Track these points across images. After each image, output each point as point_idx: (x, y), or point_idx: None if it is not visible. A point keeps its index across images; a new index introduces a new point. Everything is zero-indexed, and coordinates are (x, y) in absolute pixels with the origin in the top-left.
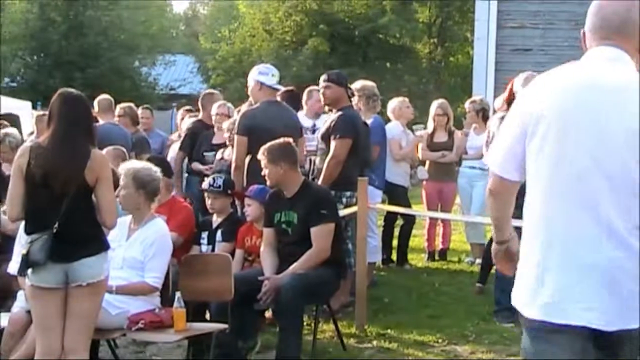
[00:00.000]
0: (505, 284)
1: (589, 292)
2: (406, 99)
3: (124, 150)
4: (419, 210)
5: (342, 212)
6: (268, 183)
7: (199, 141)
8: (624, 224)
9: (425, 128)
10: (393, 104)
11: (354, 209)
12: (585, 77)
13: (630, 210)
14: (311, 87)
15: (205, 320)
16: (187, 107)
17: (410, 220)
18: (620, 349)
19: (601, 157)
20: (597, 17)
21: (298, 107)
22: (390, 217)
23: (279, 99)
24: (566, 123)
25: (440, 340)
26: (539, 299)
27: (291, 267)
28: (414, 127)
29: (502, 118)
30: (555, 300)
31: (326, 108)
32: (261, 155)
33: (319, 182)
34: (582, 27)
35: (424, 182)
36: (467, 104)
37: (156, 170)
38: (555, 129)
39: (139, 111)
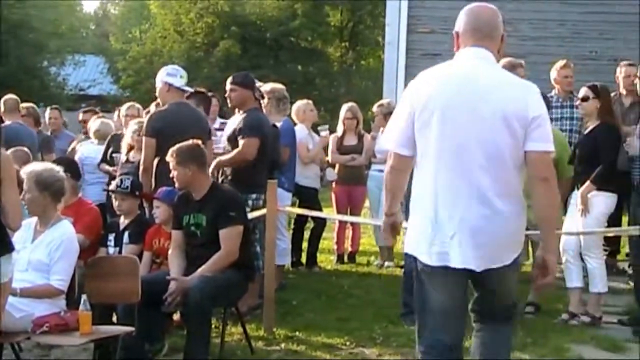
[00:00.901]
0: (412, 286)
1: (463, 241)
2: (310, 102)
3: (27, 151)
4: (329, 213)
5: (251, 215)
6: (176, 185)
7: (108, 142)
8: (492, 190)
9: (330, 129)
10: (297, 106)
11: (263, 211)
12: (463, 71)
13: (498, 179)
14: None
15: (112, 323)
16: (88, 108)
17: (320, 223)
18: (489, 282)
19: (476, 135)
20: (472, 23)
21: (207, 108)
22: (300, 220)
23: (189, 101)
24: (448, 108)
25: (348, 343)
26: (432, 249)
27: (199, 270)
28: (319, 128)
29: None
30: (444, 249)
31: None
32: (170, 157)
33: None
34: None
35: (334, 185)
36: (375, 107)
37: (59, 170)
38: (440, 113)
39: (47, 111)
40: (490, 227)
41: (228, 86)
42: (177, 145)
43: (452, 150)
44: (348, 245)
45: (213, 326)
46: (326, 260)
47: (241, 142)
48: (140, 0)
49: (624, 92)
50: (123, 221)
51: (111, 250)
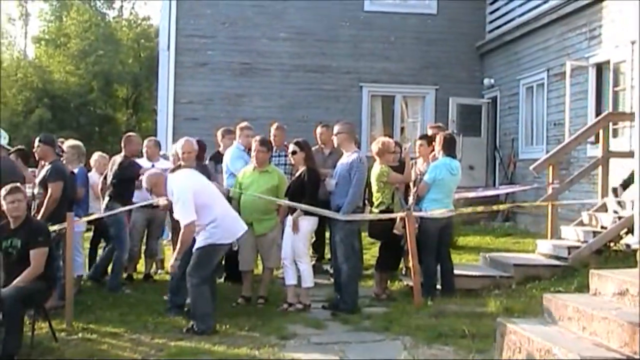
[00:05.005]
0: (175, 288)
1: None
2: (106, 156)
3: None
4: None
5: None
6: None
7: None
8: None
9: None
10: (93, 158)
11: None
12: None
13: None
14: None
15: None
16: None
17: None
18: None
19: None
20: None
21: (26, 161)
22: (94, 241)
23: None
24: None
25: (128, 331)
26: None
27: (14, 282)
28: None
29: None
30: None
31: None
32: (7, 194)
33: (39, 217)
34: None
35: None
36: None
37: None
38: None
39: None
40: None
41: (36, 144)
42: (9, 186)
43: (212, 199)
44: None
45: (27, 322)
46: None
47: (50, 185)
48: None
49: (322, 145)
50: None
51: None
